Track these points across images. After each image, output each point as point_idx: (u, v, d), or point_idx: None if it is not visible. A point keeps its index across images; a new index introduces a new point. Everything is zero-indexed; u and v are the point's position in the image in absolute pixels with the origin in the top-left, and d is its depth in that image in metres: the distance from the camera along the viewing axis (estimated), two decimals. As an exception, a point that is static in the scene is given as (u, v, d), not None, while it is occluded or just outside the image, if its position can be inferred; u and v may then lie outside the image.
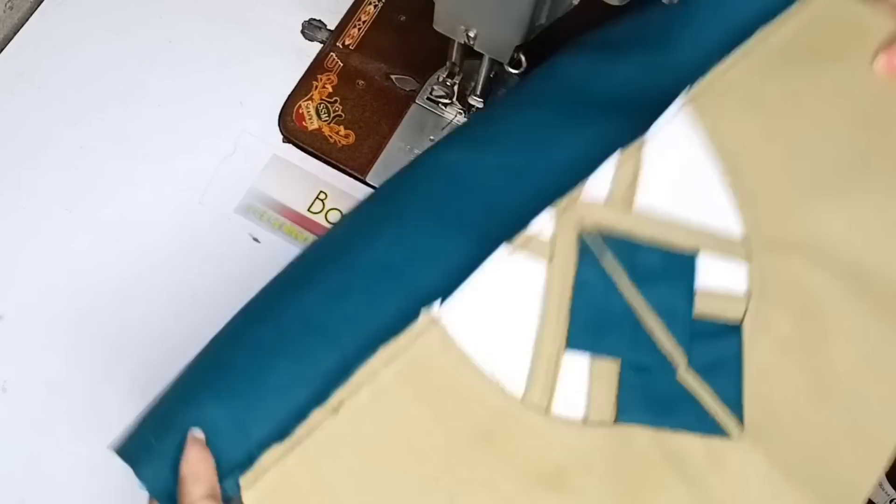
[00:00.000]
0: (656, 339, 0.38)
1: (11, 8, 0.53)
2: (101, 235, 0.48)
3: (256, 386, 0.36)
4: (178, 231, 0.48)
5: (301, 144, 0.50)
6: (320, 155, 0.50)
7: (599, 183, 0.39)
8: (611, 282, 0.38)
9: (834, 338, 0.39)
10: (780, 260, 0.39)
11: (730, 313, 0.39)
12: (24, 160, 0.49)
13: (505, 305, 0.37)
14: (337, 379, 0.35)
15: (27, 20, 0.53)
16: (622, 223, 0.39)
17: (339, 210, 0.49)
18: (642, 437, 0.37)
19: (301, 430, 0.34)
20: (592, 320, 0.38)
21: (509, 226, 0.38)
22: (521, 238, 0.37)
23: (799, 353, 0.38)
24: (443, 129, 0.51)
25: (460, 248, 0.38)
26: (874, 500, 0.56)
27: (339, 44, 0.53)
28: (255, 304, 0.39)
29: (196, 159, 0.50)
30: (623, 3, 0.40)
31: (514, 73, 0.46)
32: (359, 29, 0.53)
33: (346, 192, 0.50)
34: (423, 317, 0.36)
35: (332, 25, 0.53)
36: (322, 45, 0.53)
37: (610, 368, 0.37)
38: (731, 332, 0.39)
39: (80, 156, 0.50)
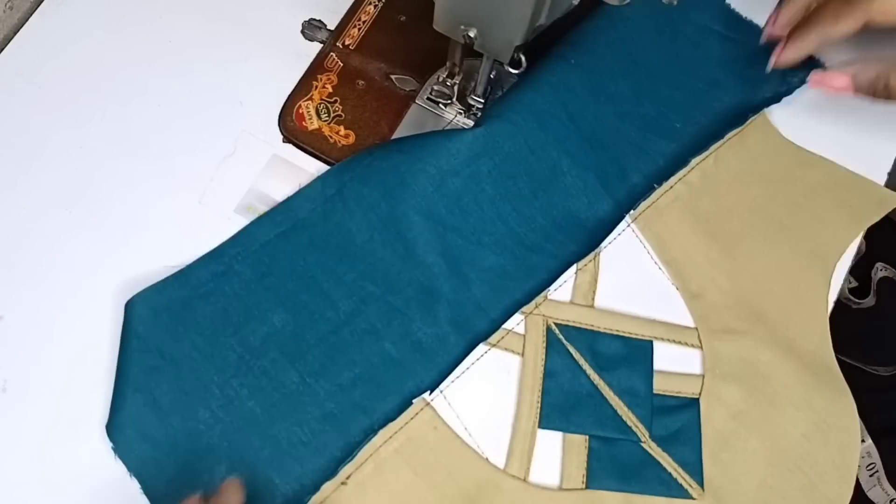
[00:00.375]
0: (621, 416, 0.44)
1: (11, 8, 0.53)
2: (101, 235, 0.48)
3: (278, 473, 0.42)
4: (178, 231, 0.48)
5: (301, 144, 0.50)
6: (320, 155, 0.50)
7: (562, 288, 0.46)
8: (577, 368, 0.45)
9: (783, 408, 0.45)
10: (730, 343, 0.46)
11: (687, 389, 0.45)
12: (24, 160, 0.49)
13: (486, 391, 0.45)
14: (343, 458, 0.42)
15: (27, 20, 0.53)
16: (585, 317, 0.46)
17: (339, 210, 0.49)
18: (613, 500, 0.43)
19: (314, 499, 0.41)
20: (561, 402, 0.44)
21: (493, 322, 0.45)
22: (497, 335, 0.45)
23: (753, 422, 0.44)
24: (443, 129, 0.51)
25: (455, 345, 0.45)
26: (874, 501, 0.56)
27: (339, 44, 0.53)
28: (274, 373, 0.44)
29: (196, 159, 0.50)
30: (623, 3, 0.40)
31: (514, 73, 0.46)
32: (359, 29, 0.53)
33: (346, 192, 0.50)
34: (417, 402, 0.43)
35: (332, 25, 0.53)
36: (322, 45, 0.53)
37: (580, 441, 0.44)
38: (689, 405, 0.45)
39: (80, 156, 0.50)
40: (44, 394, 0.45)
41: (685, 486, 0.43)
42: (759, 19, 0.53)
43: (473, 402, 0.44)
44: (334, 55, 0.53)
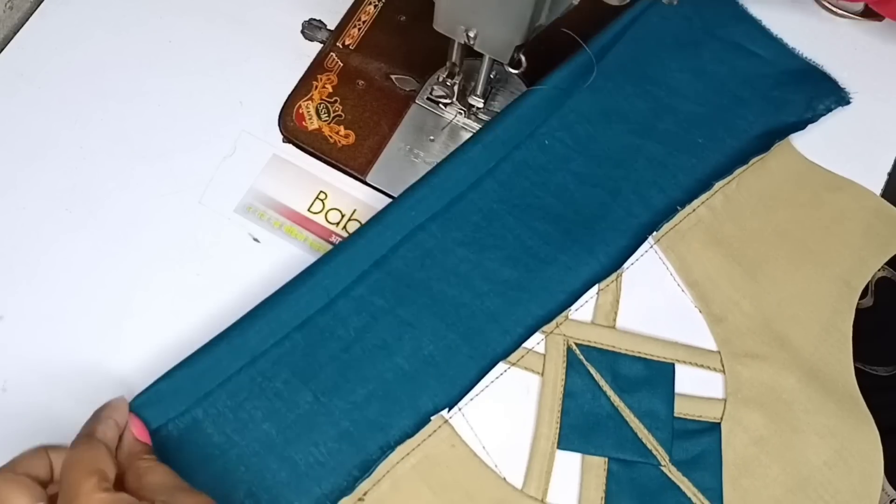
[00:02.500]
0: (641, 438, 0.43)
1: (11, 8, 0.53)
2: (101, 235, 0.48)
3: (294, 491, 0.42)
4: (177, 231, 0.48)
5: (301, 144, 0.50)
6: (320, 155, 0.50)
7: (583, 308, 0.46)
8: (597, 389, 0.44)
9: (806, 434, 0.44)
10: (752, 367, 0.46)
11: (709, 413, 0.45)
12: (24, 160, 0.49)
13: (505, 410, 0.44)
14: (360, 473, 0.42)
15: (27, 20, 0.53)
16: (606, 338, 0.46)
17: (339, 210, 0.49)
18: None
19: None
20: (581, 423, 0.44)
21: (506, 334, 0.45)
22: (516, 354, 0.44)
23: (775, 449, 0.44)
24: (443, 128, 0.51)
25: (468, 357, 0.44)
26: (874, 501, 0.56)
27: (339, 44, 0.53)
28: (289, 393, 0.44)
29: (196, 159, 0.50)
30: (623, 2, 0.40)
31: (514, 73, 0.46)
32: (359, 29, 0.53)
33: (346, 192, 0.50)
34: (435, 419, 0.42)
35: (332, 25, 0.53)
36: (322, 45, 0.53)
37: (599, 463, 0.43)
38: (711, 429, 0.44)
39: (80, 156, 0.50)
40: (44, 394, 0.45)
41: None
42: (789, 38, 0.53)
43: (492, 420, 0.44)
44: (334, 55, 0.53)
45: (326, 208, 0.49)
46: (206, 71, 0.52)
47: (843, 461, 0.44)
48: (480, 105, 0.50)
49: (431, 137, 0.51)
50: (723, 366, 0.46)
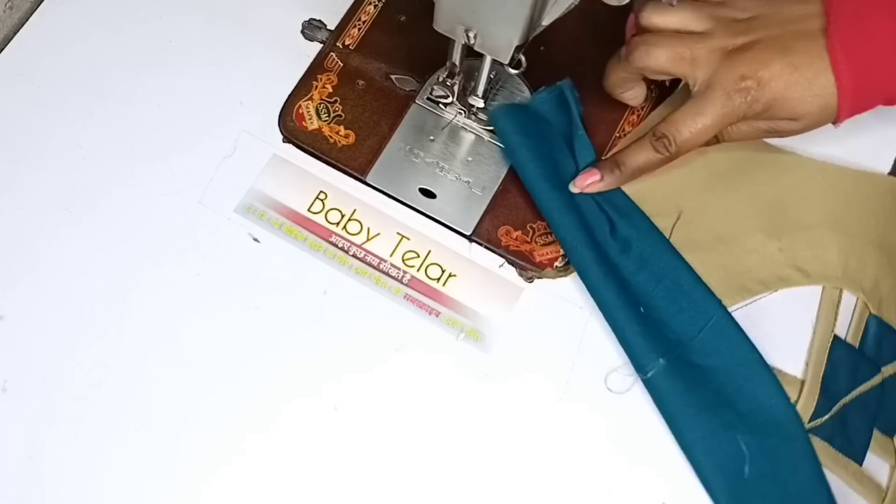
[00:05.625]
0: None
1: (11, 8, 0.53)
2: (101, 235, 0.48)
3: None
4: (177, 231, 0.48)
5: (301, 144, 0.50)
6: (320, 155, 0.50)
7: None
8: None
9: None
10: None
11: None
12: (24, 160, 0.49)
13: None
14: None
15: (27, 20, 0.53)
16: None
17: (339, 210, 0.49)
18: None
19: None
20: None
21: None
22: None
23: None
24: (443, 128, 0.51)
25: None
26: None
27: (339, 44, 0.53)
28: None
29: (195, 159, 0.50)
30: (622, 3, 0.40)
31: (514, 73, 0.46)
32: (359, 29, 0.53)
33: (346, 192, 0.50)
34: None
35: (332, 25, 0.53)
36: (322, 45, 0.53)
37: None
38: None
39: (80, 155, 0.50)
40: (44, 394, 0.45)
41: None
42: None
43: None
44: (334, 55, 0.53)
45: (326, 208, 0.49)
46: (206, 71, 0.52)
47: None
48: (480, 105, 0.50)
49: (431, 137, 0.51)
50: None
